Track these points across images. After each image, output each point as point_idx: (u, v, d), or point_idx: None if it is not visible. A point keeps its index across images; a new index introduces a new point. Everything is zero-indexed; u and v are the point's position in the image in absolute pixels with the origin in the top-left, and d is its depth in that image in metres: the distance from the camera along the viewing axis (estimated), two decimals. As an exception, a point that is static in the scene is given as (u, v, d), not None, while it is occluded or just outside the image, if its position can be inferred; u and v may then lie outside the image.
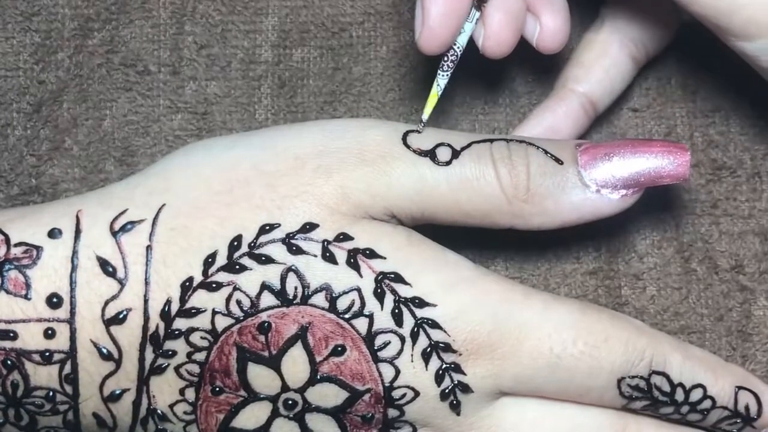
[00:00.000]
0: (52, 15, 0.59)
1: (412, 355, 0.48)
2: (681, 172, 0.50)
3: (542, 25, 0.52)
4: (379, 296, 0.47)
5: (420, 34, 0.49)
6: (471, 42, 0.51)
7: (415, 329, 0.48)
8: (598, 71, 0.56)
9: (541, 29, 0.52)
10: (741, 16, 0.47)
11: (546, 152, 0.50)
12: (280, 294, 0.47)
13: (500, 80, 0.59)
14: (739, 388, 0.51)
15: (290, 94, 0.59)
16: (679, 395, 0.50)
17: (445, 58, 0.51)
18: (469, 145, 0.50)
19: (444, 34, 0.49)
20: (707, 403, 0.51)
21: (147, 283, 0.47)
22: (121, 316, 0.47)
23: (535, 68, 0.59)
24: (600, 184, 0.50)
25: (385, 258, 0.48)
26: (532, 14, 0.52)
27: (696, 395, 0.50)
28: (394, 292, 0.48)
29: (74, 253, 0.47)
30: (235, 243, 0.47)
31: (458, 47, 0.51)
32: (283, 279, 0.47)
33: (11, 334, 0.47)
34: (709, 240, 0.58)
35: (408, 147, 0.50)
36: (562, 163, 0.50)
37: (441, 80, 0.51)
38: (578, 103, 0.56)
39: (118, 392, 0.48)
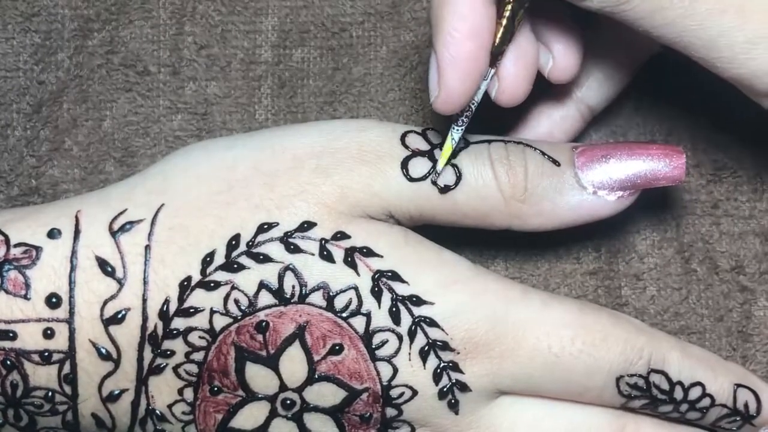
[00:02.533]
0: (52, 16, 0.59)
1: (409, 354, 0.48)
2: (677, 174, 0.50)
3: (555, 59, 0.51)
4: (377, 295, 0.48)
5: (436, 97, 0.47)
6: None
7: (413, 327, 0.48)
8: (596, 75, 0.56)
9: (554, 64, 0.52)
10: (766, 82, 0.47)
11: (543, 154, 0.51)
12: (278, 293, 0.47)
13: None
14: (738, 386, 0.51)
15: (290, 95, 0.59)
16: (678, 393, 0.50)
17: (460, 114, 0.50)
18: (466, 146, 0.50)
19: (462, 97, 0.47)
20: (706, 401, 0.50)
21: (145, 282, 0.47)
22: (119, 315, 0.47)
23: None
24: (597, 185, 0.50)
25: (382, 256, 0.48)
26: (544, 46, 0.52)
27: (695, 393, 0.50)
28: (391, 290, 0.48)
29: (73, 253, 0.47)
30: (233, 242, 0.47)
31: (473, 103, 0.49)
32: (280, 278, 0.47)
33: (11, 334, 0.47)
34: (709, 240, 0.58)
35: (406, 147, 0.50)
36: (559, 165, 0.50)
37: (455, 134, 0.50)
38: (575, 107, 0.56)
39: (116, 392, 0.48)
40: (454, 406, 0.48)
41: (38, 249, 0.48)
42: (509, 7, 0.47)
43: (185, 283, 0.47)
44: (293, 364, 0.48)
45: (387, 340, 0.48)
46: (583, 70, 0.56)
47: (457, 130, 0.50)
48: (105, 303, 0.47)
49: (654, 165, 0.50)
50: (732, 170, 0.59)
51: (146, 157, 0.59)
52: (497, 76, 0.49)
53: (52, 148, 0.58)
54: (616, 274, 0.58)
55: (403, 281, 0.48)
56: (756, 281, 0.58)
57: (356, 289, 0.47)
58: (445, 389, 0.48)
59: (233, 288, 0.47)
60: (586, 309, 0.50)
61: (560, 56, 0.51)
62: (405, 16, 0.60)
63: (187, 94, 0.59)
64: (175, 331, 0.47)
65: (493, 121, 0.59)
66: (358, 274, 0.48)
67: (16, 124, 0.58)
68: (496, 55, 0.48)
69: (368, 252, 0.48)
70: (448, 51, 0.46)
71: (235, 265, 0.47)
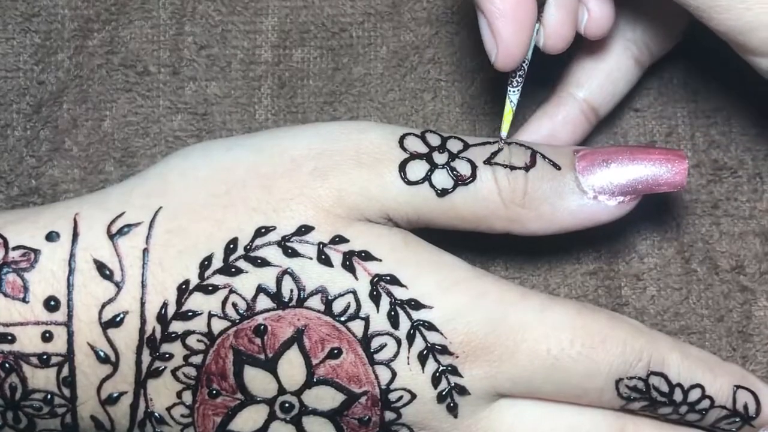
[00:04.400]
0: (52, 16, 0.59)
1: (408, 358, 0.48)
2: (678, 180, 0.50)
3: (590, 11, 0.52)
4: (375, 298, 0.47)
5: (496, 56, 0.49)
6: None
7: (412, 331, 0.48)
8: (599, 76, 0.56)
9: (589, 16, 0.52)
10: (759, 36, 0.47)
11: (544, 157, 0.50)
12: (276, 297, 0.47)
13: (501, 81, 0.59)
14: (738, 387, 0.51)
15: (290, 95, 0.59)
16: (678, 395, 0.50)
17: (514, 74, 0.51)
18: (465, 148, 0.50)
19: (521, 48, 0.49)
20: (705, 403, 0.50)
21: (144, 285, 0.47)
22: (117, 319, 0.47)
23: (536, 69, 0.59)
24: (597, 190, 0.50)
25: (380, 260, 0.48)
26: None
27: (694, 395, 0.50)
28: (389, 294, 0.47)
29: (72, 256, 0.47)
30: (231, 246, 0.47)
31: (525, 61, 0.50)
32: (278, 282, 0.47)
33: (9, 337, 0.47)
34: (709, 240, 0.58)
35: (404, 150, 0.49)
36: (560, 169, 0.50)
37: (513, 96, 0.51)
38: (578, 109, 0.56)
39: (115, 395, 0.48)
40: (453, 410, 0.48)
41: (37, 252, 0.48)
42: None
43: (183, 286, 0.47)
44: (292, 367, 0.48)
45: (385, 344, 0.48)
46: (586, 71, 0.56)
47: (514, 91, 0.51)
48: (103, 306, 0.47)
49: (655, 170, 0.50)
50: (732, 170, 0.59)
51: (146, 157, 0.59)
52: (542, 24, 0.50)
53: (52, 148, 0.58)
54: (616, 274, 0.58)
55: (401, 285, 0.48)
56: (756, 281, 0.58)
57: (354, 293, 0.47)
58: (443, 393, 0.48)
59: (231, 292, 0.47)
60: (584, 311, 0.50)
61: (595, 8, 0.52)
62: (405, 16, 0.60)
63: (187, 94, 0.59)
64: (173, 335, 0.47)
65: (494, 122, 0.59)
66: (356, 278, 0.47)
67: (16, 124, 0.58)
68: (540, 5, 0.49)
69: (367, 256, 0.48)
70: (494, 4, 0.47)
71: (233, 269, 0.47)
